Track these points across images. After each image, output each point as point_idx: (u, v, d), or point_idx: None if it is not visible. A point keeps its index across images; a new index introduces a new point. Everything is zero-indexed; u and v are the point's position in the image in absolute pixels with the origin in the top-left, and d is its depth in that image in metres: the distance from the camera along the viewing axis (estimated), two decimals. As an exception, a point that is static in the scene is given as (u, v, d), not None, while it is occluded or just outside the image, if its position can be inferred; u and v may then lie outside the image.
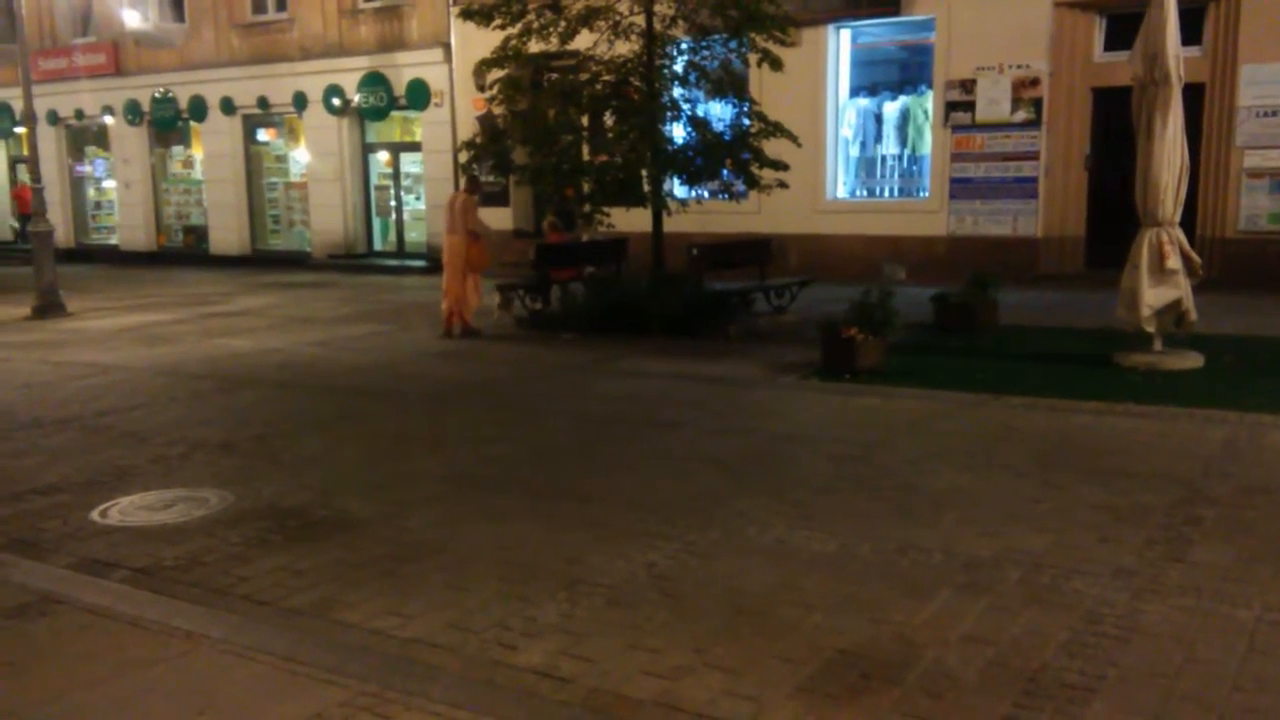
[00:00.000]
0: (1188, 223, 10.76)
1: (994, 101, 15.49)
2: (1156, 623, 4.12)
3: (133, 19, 23.91)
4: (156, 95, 24.54)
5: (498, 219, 19.01)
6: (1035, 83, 15.18)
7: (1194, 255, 9.13)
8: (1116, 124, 12.84)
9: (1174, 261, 8.88)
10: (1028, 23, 15.05)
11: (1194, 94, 12.74)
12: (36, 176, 16.26)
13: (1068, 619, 4.16)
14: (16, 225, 28.53)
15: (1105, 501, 5.60)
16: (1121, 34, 14.02)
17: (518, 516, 5.69)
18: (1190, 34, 11.96)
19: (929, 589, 4.49)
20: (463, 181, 13.16)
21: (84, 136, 27.37)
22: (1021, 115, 15.34)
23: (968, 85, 15.64)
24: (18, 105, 21.95)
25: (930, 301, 11.47)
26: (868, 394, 8.52)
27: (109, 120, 25.74)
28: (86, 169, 27.73)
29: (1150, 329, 9.03)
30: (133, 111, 25.13)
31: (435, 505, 5.94)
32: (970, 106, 15.68)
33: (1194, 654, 3.86)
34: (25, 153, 21.76)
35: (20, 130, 26.72)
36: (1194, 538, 5.04)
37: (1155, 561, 4.74)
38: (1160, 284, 8.92)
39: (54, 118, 26.31)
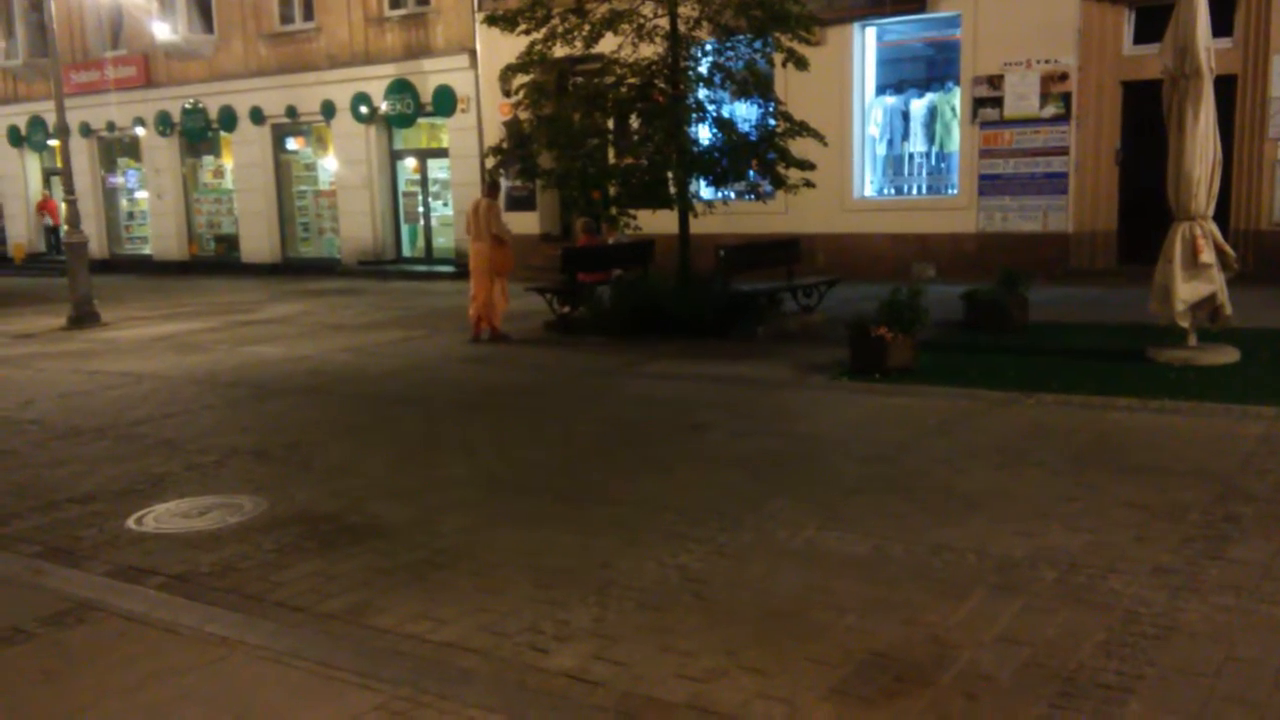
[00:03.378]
0: (1221, 216, 10.64)
1: (1022, 97, 15.38)
2: (1195, 621, 4.07)
3: (162, 31, 24.20)
4: (187, 106, 24.82)
5: (525, 223, 19.12)
6: (1064, 77, 15.06)
7: (1228, 249, 9.02)
8: (1147, 117, 12.71)
9: (1208, 255, 8.77)
10: (1055, 17, 14.93)
11: (1226, 86, 12.60)
12: (70, 188, 16.48)
13: (1104, 619, 4.11)
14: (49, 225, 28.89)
15: (1141, 499, 5.53)
16: (1151, 27, 13.89)
17: (548, 520, 5.70)
18: (1221, 25, 11.80)
19: (963, 590, 4.46)
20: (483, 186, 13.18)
21: (116, 148, 27.74)
22: (1051, 110, 15.22)
23: (995, 81, 15.54)
24: (51, 118, 22.25)
25: (960, 299, 11.39)
26: (898, 393, 8.47)
27: (140, 132, 26.06)
28: (119, 180, 28.09)
29: (1184, 324, 8.92)
30: (164, 122, 25.43)
31: (466, 510, 5.96)
32: (998, 102, 15.57)
33: (1234, 653, 3.81)
34: (59, 165, 22.05)
35: (54, 143, 27.08)
36: (1232, 535, 4.97)
37: (1193, 559, 4.68)
38: (1194, 278, 8.81)
39: (86, 130, 26.67)
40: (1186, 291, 8.80)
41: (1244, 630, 3.98)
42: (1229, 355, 8.94)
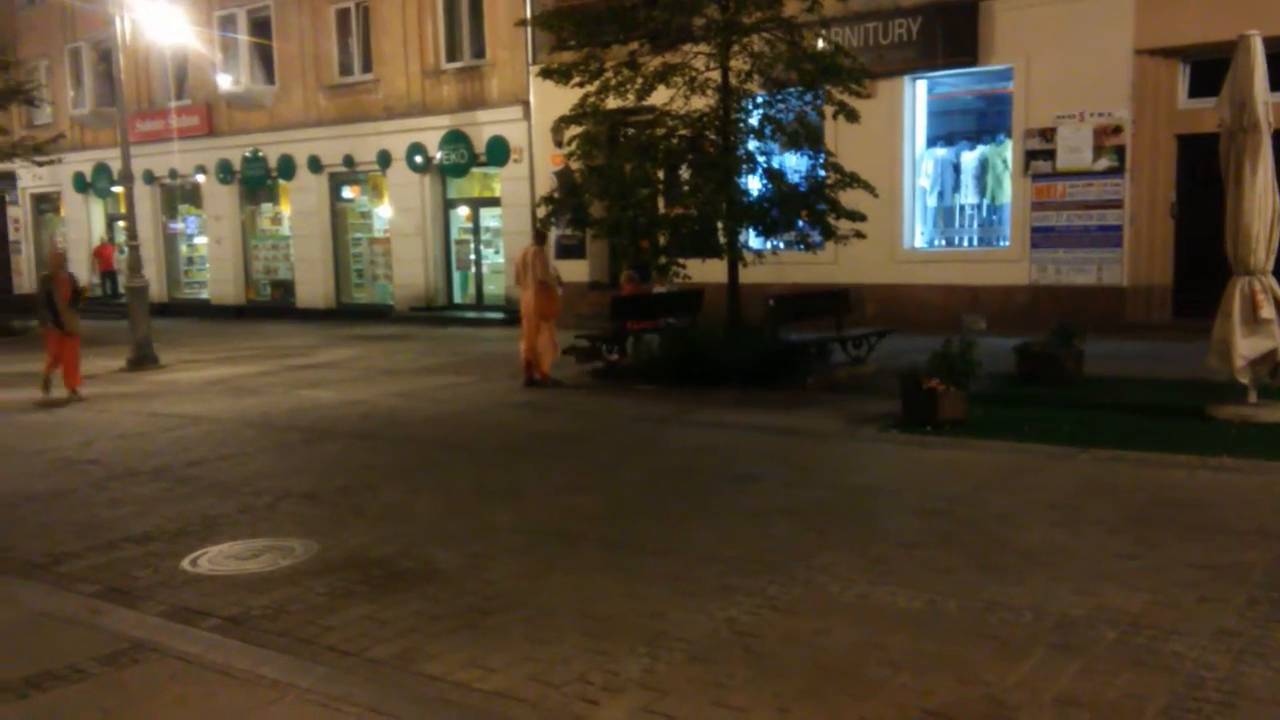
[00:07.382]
0: (1280, 271, 10.46)
1: (1075, 150, 15.30)
2: (1260, 686, 3.96)
3: (225, 82, 24.89)
4: (247, 155, 25.41)
5: (574, 271, 19.25)
6: (1117, 130, 14.97)
7: (1289, 304, 8.88)
8: (1203, 171, 12.59)
9: (1268, 311, 8.64)
10: (1108, 71, 14.88)
11: (1284, 139, 12.43)
12: (133, 234, 16.90)
13: (1167, 682, 4.02)
14: (98, 281, 29.54)
15: (1203, 559, 5.42)
16: (1205, 80, 13.80)
17: (597, 569, 5.69)
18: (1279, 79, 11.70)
19: (1020, 649, 4.38)
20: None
21: (177, 194, 28.43)
22: (1104, 163, 15.11)
23: (1048, 134, 15.48)
24: (116, 166, 22.84)
25: (1013, 352, 11.28)
26: (950, 446, 8.38)
27: (201, 179, 26.71)
28: (179, 226, 28.76)
29: (1244, 380, 8.77)
30: (224, 170, 26.04)
31: (516, 557, 5.97)
32: (1051, 155, 15.50)
33: (1303, 721, 3.71)
34: (122, 211, 22.59)
35: (117, 189, 27.82)
36: (1298, 598, 4.85)
37: (1258, 622, 4.57)
38: (1254, 334, 8.68)
39: (150, 177, 27.36)
40: (1246, 347, 8.66)
41: (1313, 697, 3.87)
42: (1291, 412, 8.77)
